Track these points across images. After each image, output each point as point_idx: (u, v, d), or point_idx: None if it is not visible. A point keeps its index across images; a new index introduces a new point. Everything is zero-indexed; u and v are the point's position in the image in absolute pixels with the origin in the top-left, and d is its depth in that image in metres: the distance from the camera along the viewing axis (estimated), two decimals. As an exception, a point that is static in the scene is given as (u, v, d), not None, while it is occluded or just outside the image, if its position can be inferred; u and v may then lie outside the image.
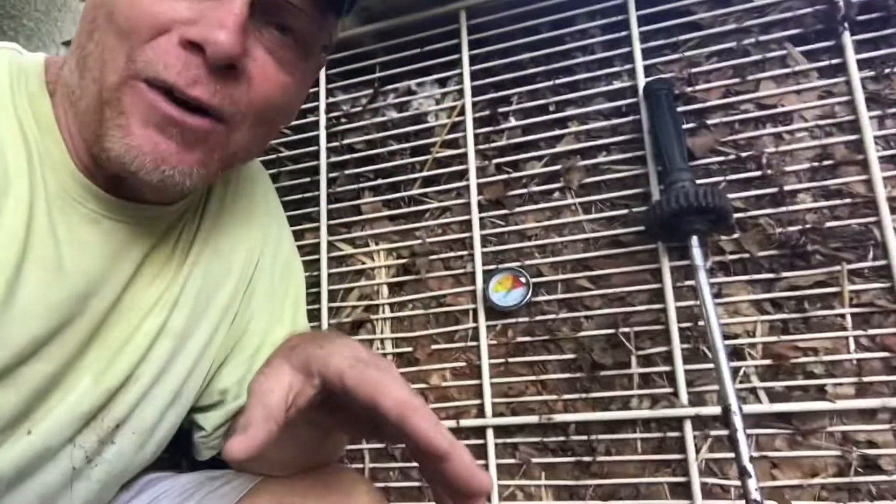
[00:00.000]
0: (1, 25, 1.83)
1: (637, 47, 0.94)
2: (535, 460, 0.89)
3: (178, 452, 0.82)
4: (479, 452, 0.92)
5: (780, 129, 0.87)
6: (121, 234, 0.59)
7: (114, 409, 0.60)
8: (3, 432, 0.52)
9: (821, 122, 0.86)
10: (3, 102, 0.54)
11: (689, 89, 0.91)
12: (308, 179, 1.10)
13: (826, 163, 0.84)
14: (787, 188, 0.84)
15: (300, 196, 1.10)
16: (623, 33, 0.96)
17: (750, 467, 0.67)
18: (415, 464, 0.92)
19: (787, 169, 0.85)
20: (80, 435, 0.58)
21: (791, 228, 0.83)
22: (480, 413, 0.92)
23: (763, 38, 0.90)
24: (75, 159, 0.55)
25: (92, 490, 0.61)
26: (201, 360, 0.68)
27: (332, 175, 1.09)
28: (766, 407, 0.80)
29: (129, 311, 0.60)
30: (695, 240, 0.79)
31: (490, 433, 0.91)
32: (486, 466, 0.90)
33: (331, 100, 1.12)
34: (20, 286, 0.51)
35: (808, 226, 0.83)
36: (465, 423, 0.92)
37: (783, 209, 0.84)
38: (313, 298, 1.03)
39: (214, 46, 0.47)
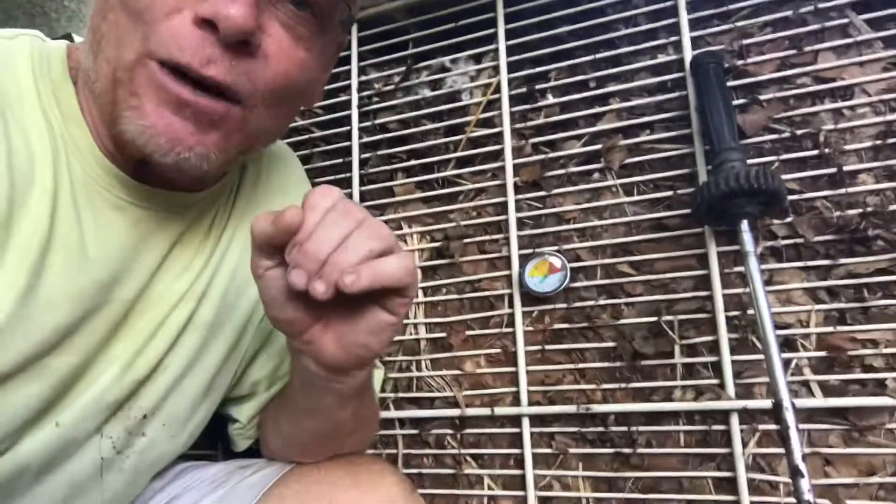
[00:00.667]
0: (44, 7, 1.85)
1: (684, 18, 0.89)
2: (572, 451, 0.86)
3: (214, 440, 0.82)
4: (515, 441, 0.89)
5: (840, 104, 0.81)
6: (147, 222, 0.58)
7: (141, 399, 0.59)
8: (31, 423, 0.52)
9: (885, 97, 0.79)
10: (26, 90, 0.53)
11: (741, 62, 0.86)
12: (340, 160, 1.08)
13: (890, 141, 0.78)
14: (846, 168, 0.79)
15: (332, 178, 1.08)
16: (669, 3, 0.91)
17: (802, 466, 0.64)
18: (449, 450, 0.91)
19: (847, 148, 0.80)
20: (107, 425, 0.58)
21: (850, 212, 0.78)
22: (516, 401, 0.90)
23: (822, 5, 0.83)
24: (100, 145, 0.55)
25: (124, 480, 0.61)
26: (233, 352, 0.67)
27: (364, 156, 1.06)
28: (819, 401, 0.76)
29: (158, 301, 0.60)
30: (745, 224, 0.75)
31: (526, 422, 0.88)
32: (522, 456, 0.88)
33: (363, 78, 1.09)
34: (44, 276, 0.50)
35: (868, 209, 0.77)
36: (499, 411, 0.90)
37: (842, 191, 0.79)
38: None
39: (227, 22, 0.45)
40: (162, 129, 0.48)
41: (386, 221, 1.02)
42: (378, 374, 0.79)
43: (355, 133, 1.07)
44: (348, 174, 1.06)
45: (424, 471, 0.94)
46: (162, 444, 0.63)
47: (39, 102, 0.53)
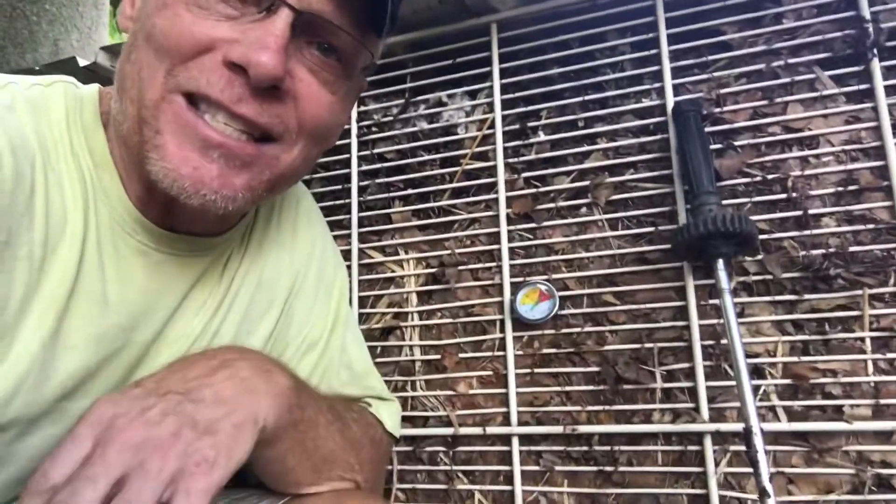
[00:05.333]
0: (24, 10, 1.85)
1: (667, 66, 0.96)
2: (558, 468, 0.92)
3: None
4: (505, 459, 0.95)
5: (807, 152, 0.89)
6: (168, 266, 0.59)
7: None
8: None
9: (847, 147, 0.87)
10: (60, 137, 0.54)
11: (718, 110, 0.93)
12: (339, 187, 1.13)
13: (851, 188, 0.86)
14: (811, 212, 0.86)
15: (332, 203, 1.13)
16: (653, 51, 0.98)
17: (770, 487, 0.70)
18: (441, 467, 0.97)
19: (812, 193, 0.87)
20: None
21: (814, 252, 0.85)
22: (506, 421, 0.95)
23: (792, 60, 0.91)
24: (128, 191, 0.56)
25: None
26: None
27: (363, 183, 1.12)
28: (784, 425, 0.83)
29: (173, 342, 0.61)
30: (720, 263, 0.82)
31: (515, 441, 0.94)
32: (511, 473, 0.93)
33: (362, 109, 1.14)
34: (67, 321, 0.52)
35: (831, 249, 0.85)
36: (491, 430, 0.95)
37: (807, 232, 0.86)
38: (344, 304, 1.07)
39: (257, 68, 0.47)
40: (186, 173, 0.49)
41: (383, 247, 1.08)
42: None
43: (354, 161, 1.12)
44: (347, 200, 1.11)
45: (418, 486, 0.99)
46: None
47: (72, 149, 0.55)
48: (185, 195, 0.50)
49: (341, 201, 1.12)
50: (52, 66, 1.27)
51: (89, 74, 1.22)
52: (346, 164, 1.13)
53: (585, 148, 1.00)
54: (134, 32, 0.53)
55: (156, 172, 0.50)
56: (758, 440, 0.73)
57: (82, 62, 1.22)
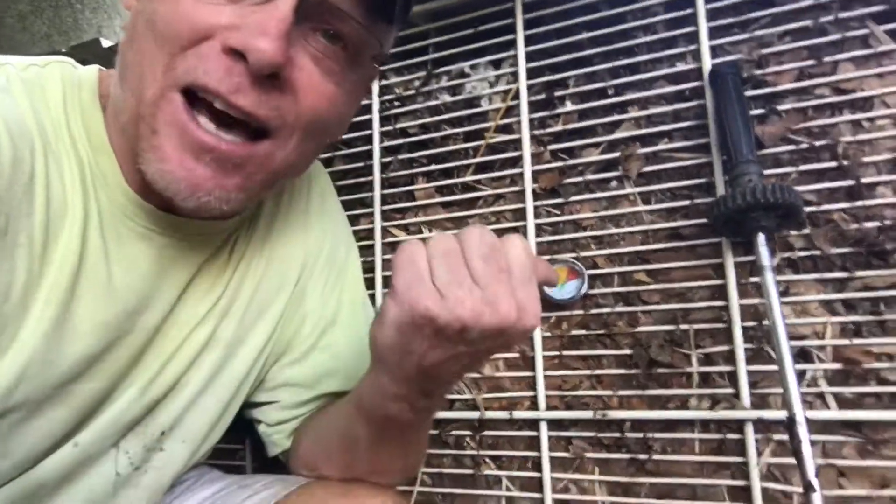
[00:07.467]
0: (69, -1, 1.88)
1: (703, 26, 0.89)
2: (588, 455, 0.88)
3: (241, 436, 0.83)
4: (533, 444, 0.92)
5: (860, 115, 0.81)
6: (173, 250, 0.59)
7: (159, 416, 0.61)
8: (52, 445, 0.54)
9: (906, 109, 0.79)
10: (57, 121, 0.54)
11: (759, 72, 0.86)
12: (362, 164, 1.10)
13: (910, 153, 0.78)
14: (864, 181, 0.79)
15: (354, 181, 1.10)
16: (688, 11, 0.90)
17: (815, 482, 0.65)
18: (468, 451, 0.94)
19: (866, 160, 0.80)
20: (124, 440, 0.59)
21: (868, 224, 0.78)
22: (534, 405, 0.92)
23: (843, 15, 0.83)
24: (127, 176, 0.55)
25: (140, 497, 0.62)
26: (254, 366, 0.69)
27: (385, 160, 1.08)
28: (834, 414, 0.77)
29: (181, 324, 0.61)
30: (761, 237, 0.75)
31: (543, 426, 0.90)
32: (539, 459, 0.90)
33: (384, 82, 1.10)
34: (73, 306, 0.51)
35: (886, 222, 0.77)
36: (518, 414, 0.92)
37: (860, 203, 0.79)
38: (368, 284, 1.03)
39: (256, 54, 0.45)
40: (182, 176, 0.48)
41: (407, 225, 1.05)
42: None
43: (376, 137, 1.08)
44: (370, 178, 1.08)
45: (444, 470, 0.96)
46: (180, 458, 0.65)
47: (69, 132, 0.54)
48: (180, 197, 0.49)
49: (364, 179, 1.09)
50: (77, 48, 1.27)
51: (113, 56, 1.21)
52: (368, 140, 1.10)
53: (616, 117, 0.94)
54: (136, 13, 0.51)
55: (152, 174, 0.49)
56: (802, 429, 0.67)
57: (106, 43, 1.21)
